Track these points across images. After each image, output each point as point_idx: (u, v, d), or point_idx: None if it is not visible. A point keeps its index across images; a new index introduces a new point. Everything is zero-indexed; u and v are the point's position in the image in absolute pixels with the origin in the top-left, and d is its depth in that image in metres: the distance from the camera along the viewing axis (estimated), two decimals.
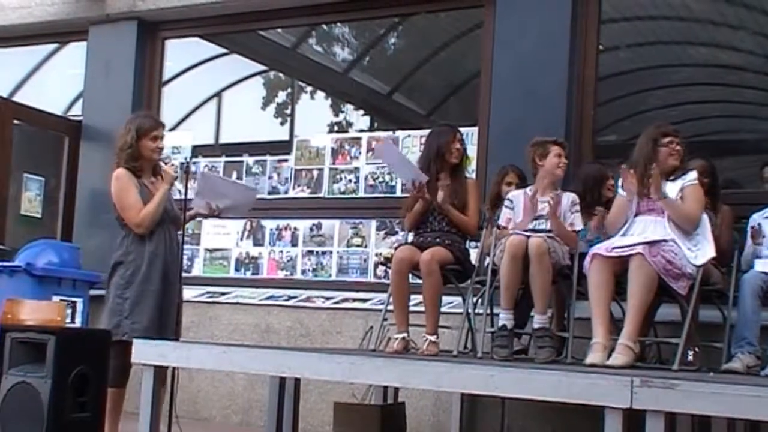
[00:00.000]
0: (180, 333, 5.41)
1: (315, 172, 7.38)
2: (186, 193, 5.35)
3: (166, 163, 5.30)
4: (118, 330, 5.11)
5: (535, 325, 4.95)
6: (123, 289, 5.16)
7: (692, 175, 4.89)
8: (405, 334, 5.19)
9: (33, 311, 5.30)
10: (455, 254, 5.23)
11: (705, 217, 4.87)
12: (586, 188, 5.50)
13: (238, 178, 7.62)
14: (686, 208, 4.79)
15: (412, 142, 6.90)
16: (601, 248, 4.71)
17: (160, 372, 4.79)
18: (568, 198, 5.19)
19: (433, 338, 5.13)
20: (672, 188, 4.84)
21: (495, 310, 5.24)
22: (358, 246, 7.13)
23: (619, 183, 5.05)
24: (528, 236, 4.92)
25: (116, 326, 5.12)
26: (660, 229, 4.75)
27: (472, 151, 6.58)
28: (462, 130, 6.29)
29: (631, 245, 4.62)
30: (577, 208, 5.18)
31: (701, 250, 4.77)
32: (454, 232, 5.34)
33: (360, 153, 7.23)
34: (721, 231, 5.17)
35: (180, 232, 5.39)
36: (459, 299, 5.55)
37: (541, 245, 4.84)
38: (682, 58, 7.23)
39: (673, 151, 4.87)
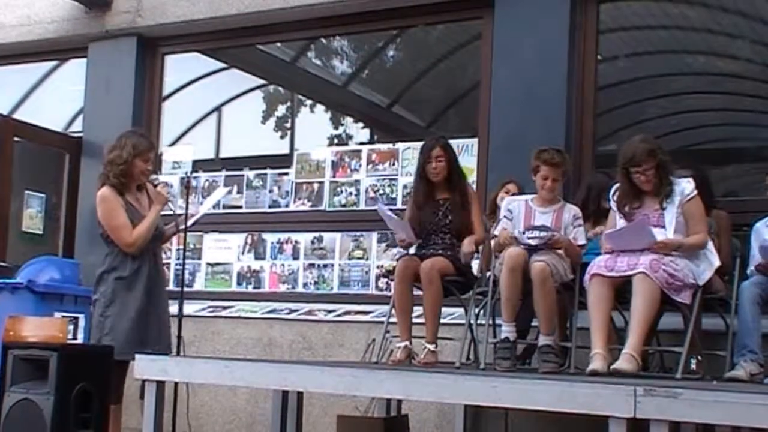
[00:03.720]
0: (171, 346, 5.41)
1: (315, 185, 7.39)
2: (187, 207, 5.36)
3: (156, 185, 5.32)
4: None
5: (540, 342, 4.94)
6: (105, 307, 5.18)
7: (689, 187, 4.81)
8: (407, 343, 5.18)
9: (35, 328, 5.31)
10: (456, 265, 5.23)
11: None
12: (590, 197, 5.50)
13: (238, 192, 7.64)
14: (693, 239, 4.74)
15: (412, 154, 6.89)
16: (601, 267, 4.68)
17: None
18: (570, 212, 5.15)
19: (431, 347, 5.12)
20: (670, 209, 4.80)
21: (497, 321, 5.24)
22: (359, 258, 7.12)
23: (610, 195, 5.04)
24: (526, 247, 4.91)
25: (97, 342, 5.18)
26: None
27: (471, 162, 6.60)
28: (462, 141, 6.30)
29: (632, 266, 4.58)
30: (580, 222, 5.14)
31: (706, 263, 4.75)
32: (458, 246, 5.34)
33: (360, 166, 7.24)
34: (721, 242, 5.16)
35: (180, 247, 5.41)
36: (461, 310, 5.55)
37: (544, 269, 4.80)
38: (680, 67, 7.23)
39: (640, 181, 4.82)
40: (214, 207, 6.08)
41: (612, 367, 4.42)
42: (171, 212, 5.42)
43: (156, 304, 5.22)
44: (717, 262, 4.79)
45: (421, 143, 5.69)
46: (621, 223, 4.89)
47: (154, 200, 5.29)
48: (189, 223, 5.53)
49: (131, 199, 5.26)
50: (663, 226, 4.77)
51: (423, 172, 5.40)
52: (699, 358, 4.77)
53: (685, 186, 4.82)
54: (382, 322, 5.66)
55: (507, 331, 4.97)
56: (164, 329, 5.27)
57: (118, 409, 5.21)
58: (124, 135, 5.38)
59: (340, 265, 7.19)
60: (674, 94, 7.27)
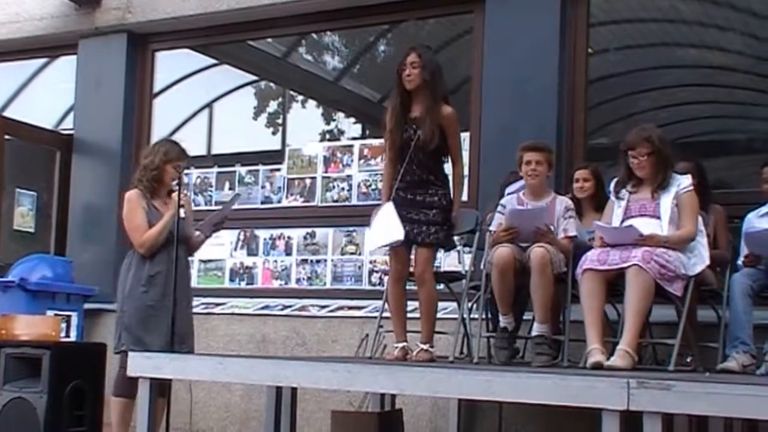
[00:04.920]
0: (192, 345, 5.54)
1: (308, 181, 7.39)
2: (178, 206, 5.36)
3: (172, 191, 5.42)
4: (119, 341, 5.27)
5: (534, 332, 4.94)
6: (123, 303, 5.35)
7: (686, 182, 4.84)
8: (404, 344, 5.17)
9: (27, 326, 5.32)
10: (436, 244, 5.15)
11: (699, 220, 4.86)
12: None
13: (230, 189, 7.62)
14: (679, 233, 4.75)
15: None
16: (594, 261, 4.68)
17: (160, 384, 4.77)
18: (562, 203, 5.17)
19: (425, 347, 5.08)
20: (666, 199, 4.81)
21: (490, 315, 5.24)
22: (352, 254, 7.12)
23: (611, 188, 5.05)
24: (523, 247, 4.92)
25: (118, 338, 5.30)
26: (655, 230, 4.74)
27: (464, 156, 6.59)
28: None
29: (624, 259, 4.59)
30: (572, 213, 5.15)
31: (698, 257, 4.75)
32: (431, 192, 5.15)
33: (352, 161, 7.23)
34: (717, 234, 5.17)
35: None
36: (454, 305, 5.55)
37: (544, 256, 4.81)
38: (671, 60, 7.23)
39: (634, 165, 4.86)
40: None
41: (607, 363, 4.41)
42: (183, 217, 5.43)
43: (170, 305, 5.27)
44: (708, 260, 4.79)
45: None
46: (618, 213, 4.90)
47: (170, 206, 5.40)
48: (211, 231, 5.68)
49: (158, 204, 5.43)
50: (658, 216, 4.79)
51: (399, 80, 5.18)
52: (693, 354, 4.78)
53: (683, 180, 4.85)
54: (375, 317, 5.67)
55: (505, 321, 5.00)
56: (181, 330, 5.30)
57: (131, 404, 5.19)
58: (158, 142, 5.67)
59: (332, 260, 7.19)
60: (666, 87, 7.27)
